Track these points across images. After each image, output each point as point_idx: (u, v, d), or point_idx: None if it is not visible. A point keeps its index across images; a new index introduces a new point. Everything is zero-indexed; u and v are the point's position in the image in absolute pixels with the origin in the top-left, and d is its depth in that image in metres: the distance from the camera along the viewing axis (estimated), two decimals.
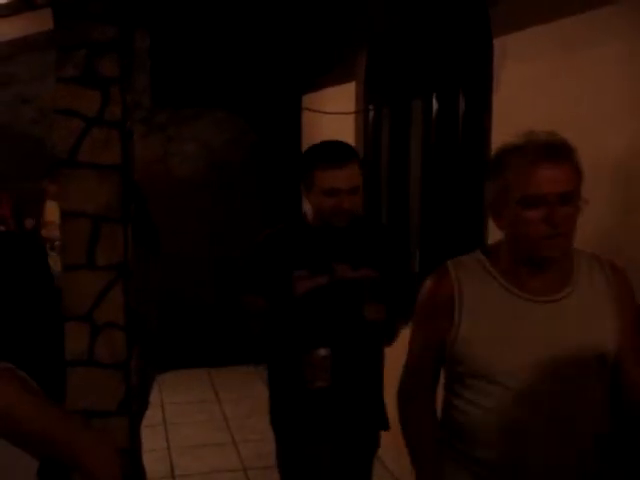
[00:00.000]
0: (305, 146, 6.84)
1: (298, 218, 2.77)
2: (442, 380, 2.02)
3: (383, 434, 2.80)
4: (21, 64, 6.78)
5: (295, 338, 2.57)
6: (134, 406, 2.89)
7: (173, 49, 6.76)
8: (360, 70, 5.11)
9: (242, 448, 5.16)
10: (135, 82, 3.22)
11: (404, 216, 4.70)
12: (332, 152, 2.56)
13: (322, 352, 2.43)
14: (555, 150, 1.77)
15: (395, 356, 2.38)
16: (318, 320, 2.54)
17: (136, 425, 2.99)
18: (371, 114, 5.04)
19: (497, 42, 3.25)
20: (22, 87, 6.91)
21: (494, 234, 2.06)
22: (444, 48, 3.98)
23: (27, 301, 3.33)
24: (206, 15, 6.47)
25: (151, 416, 5.12)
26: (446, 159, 3.97)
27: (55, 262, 4.32)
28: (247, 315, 2.70)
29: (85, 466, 1.59)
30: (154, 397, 5.61)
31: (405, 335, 2.14)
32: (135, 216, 3.00)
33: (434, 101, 4.09)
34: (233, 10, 6.36)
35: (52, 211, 5.57)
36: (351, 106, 5.20)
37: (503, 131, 3.00)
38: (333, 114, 5.46)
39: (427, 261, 4.30)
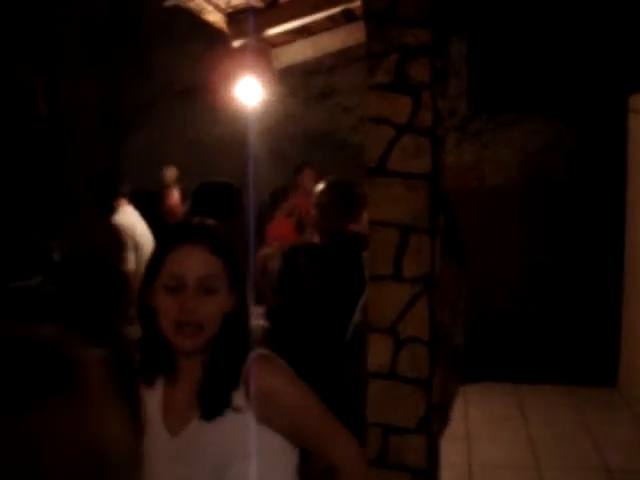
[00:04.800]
0: (632, 152, 6.32)
1: None
2: None
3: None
4: (342, 75, 7.06)
5: None
6: (434, 425, 2.78)
7: (490, 54, 6.59)
8: None
9: (545, 473, 4.86)
10: (451, 88, 3.13)
11: None
12: None
13: None
14: None
15: None
16: None
17: (434, 444, 2.88)
18: None
19: None
20: (343, 97, 7.20)
21: None
22: None
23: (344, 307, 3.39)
24: (524, 19, 6.22)
25: (455, 428, 5.02)
26: None
27: None
28: None
29: (334, 461, 1.62)
30: (459, 408, 5.51)
31: None
32: (444, 226, 2.89)
33: None
34: (551, 12, 6.04)
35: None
36: None
37: None
38: None
39: None
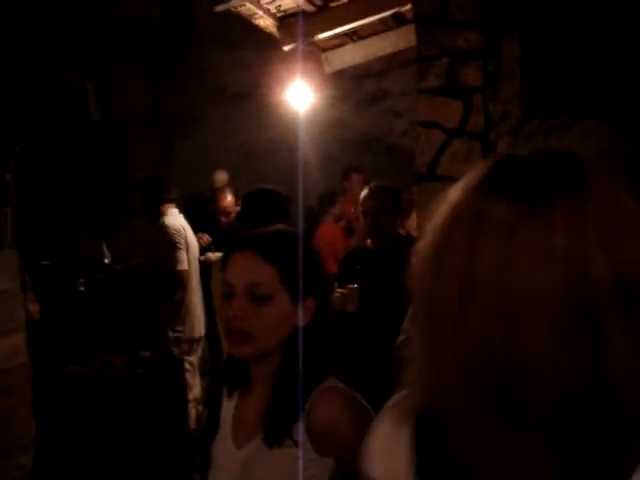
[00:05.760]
0: None
1: None
2: None
3: None
4: (393, 79, 7.01)
5: None
6: None
7: (545, 56, 6.48)
8: None
9: None
10: (504, 91, 3.07)
11: None
12: None
13: None
14: None
15: None
16: None
17: None
18: None
19: None
20: (394, 101, 7.15)
21: None
22: None
23: None
24: (579, 18, 6.10)
25: None
26: None
27: None
28: None
29: None
30: None
31: None
32: None
33: None
34: (607, 11, 5.91)
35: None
36: None
37: None
38: None
39: None
